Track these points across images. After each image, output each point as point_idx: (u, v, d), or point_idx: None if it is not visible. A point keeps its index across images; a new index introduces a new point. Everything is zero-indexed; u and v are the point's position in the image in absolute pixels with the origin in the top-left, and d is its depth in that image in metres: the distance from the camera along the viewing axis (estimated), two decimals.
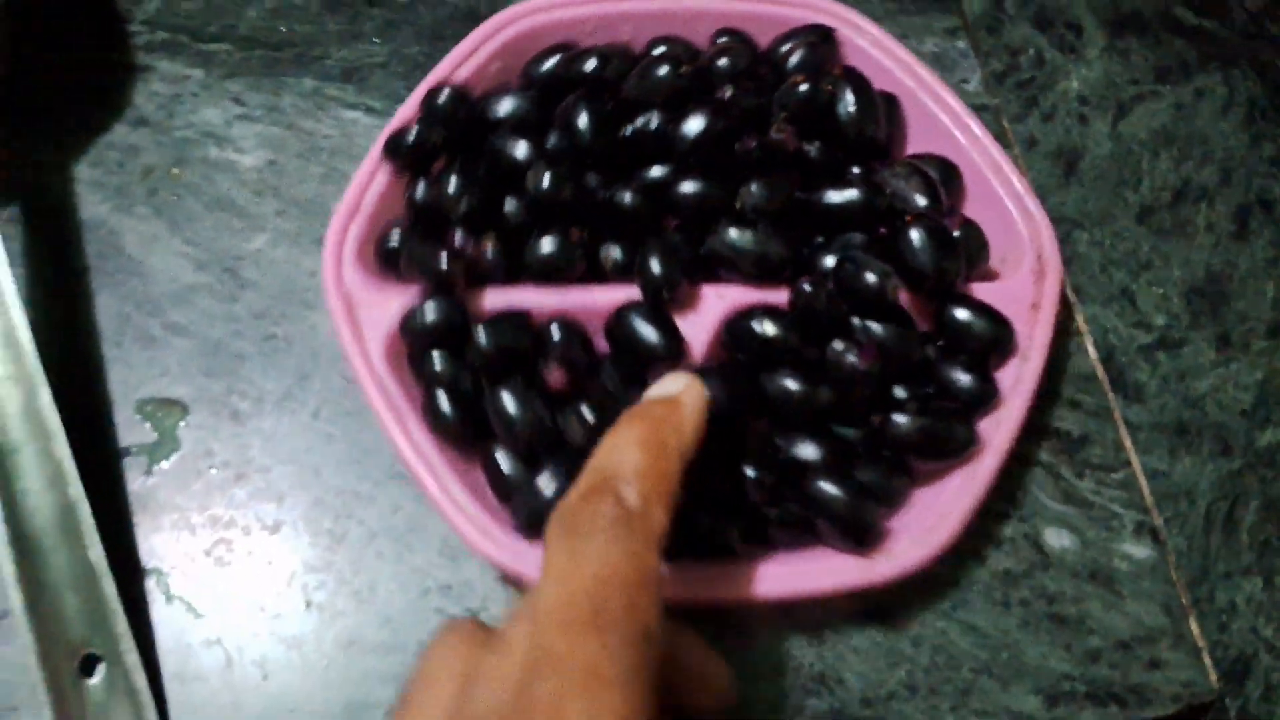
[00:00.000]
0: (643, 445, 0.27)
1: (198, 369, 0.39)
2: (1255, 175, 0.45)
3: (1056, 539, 0.37)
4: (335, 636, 0.35)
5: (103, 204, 0.42)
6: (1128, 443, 0.39)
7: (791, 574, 0.33)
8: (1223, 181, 0.45)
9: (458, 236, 0.38)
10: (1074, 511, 0.37)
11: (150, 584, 0.35)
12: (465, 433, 0.35)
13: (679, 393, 0.30)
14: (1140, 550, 0.37)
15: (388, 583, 0.35)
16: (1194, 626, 0.36)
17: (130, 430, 0.38)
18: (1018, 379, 0.36)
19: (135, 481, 0.37)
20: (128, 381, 0.38)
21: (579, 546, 0.24)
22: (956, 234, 0.38)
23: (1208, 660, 0.36)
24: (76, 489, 0.33)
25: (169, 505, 0.36)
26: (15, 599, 0.32)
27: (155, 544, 0.36)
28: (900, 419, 0.34)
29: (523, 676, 0.22)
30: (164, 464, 0.37)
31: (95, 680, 0.32)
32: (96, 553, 0.33)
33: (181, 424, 0.38)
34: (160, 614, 0.35)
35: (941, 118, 0.41)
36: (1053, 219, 0.43)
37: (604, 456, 0.27)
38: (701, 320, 0.37)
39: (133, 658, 0.33)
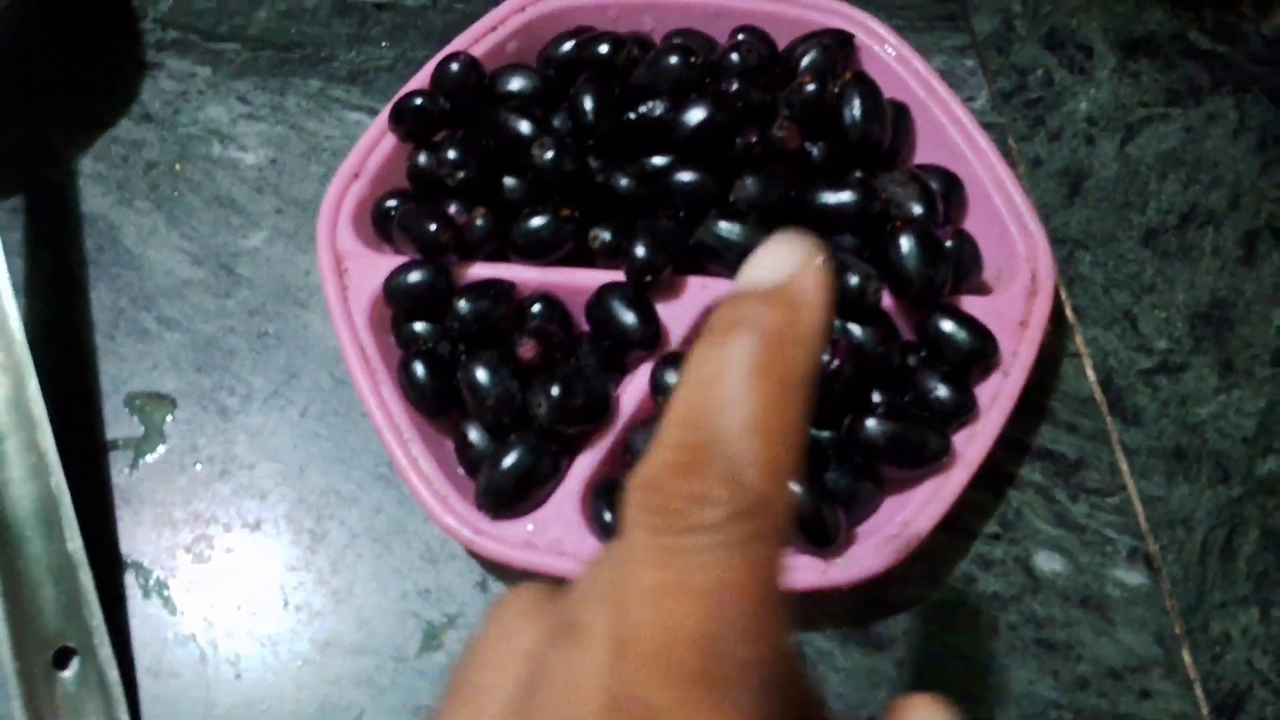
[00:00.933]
0: (758, 380, 0.17)
1: (188, 364, 0.39)
2: (1265, 200, 0.44)
3: (1048, 563, 0.36)
4: (311, 637, 0.34)
5: (104, 197, 0.43)
6: (1124, 467, 0.38)
7: None
8: (1231, 206, 0.44)
9: (452, 206, 0.38)
10: (1067, 535, 0.36)
11: (129, 578, 0.35)
12: (438, 400, 0.35)
13: (795, 277, 0.19)
14: (1133, 577, 0.36)
15: (366, 584, 0.35)
16: (1187, 657, 0.35)
17: (118, 423, 0.38)
18: (997, 394, 0.35)
19: (120, 474, 0.37)
20: (118, 374, 0.38)
21: (680, 551, 0.16)
22: (948, 244, 0.38)
23: (1200, 692, 0.35)
24: (59, 480, 0.33)
25: (151, 499, 0.36)
26: None
27: (136, 538, 0.36)
28: (871, 423, 0.34)
29: None
30: (149, 458, 0.37)
31: (68, 673, 0.32)
32: (75, 545, 0.33)
33: (169, 418, 0.38)
34: (137, 608, 0.35)
35: (949, 130, 0.41)
36: (1056, 239, 0.43)
37: (699, 400, 0.18)
38: (684, 309, 0.37)
39: (106, 651, 0.32)
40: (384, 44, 0.47)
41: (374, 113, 0.45)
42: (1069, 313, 0.41)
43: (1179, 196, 0.44)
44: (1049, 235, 0.40)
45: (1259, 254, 0.43)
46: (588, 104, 0.39)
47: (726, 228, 0.37)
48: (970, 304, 0.37)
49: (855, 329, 0.35)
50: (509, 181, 0.39)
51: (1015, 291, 0.38)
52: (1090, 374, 0.40)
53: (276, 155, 0.44)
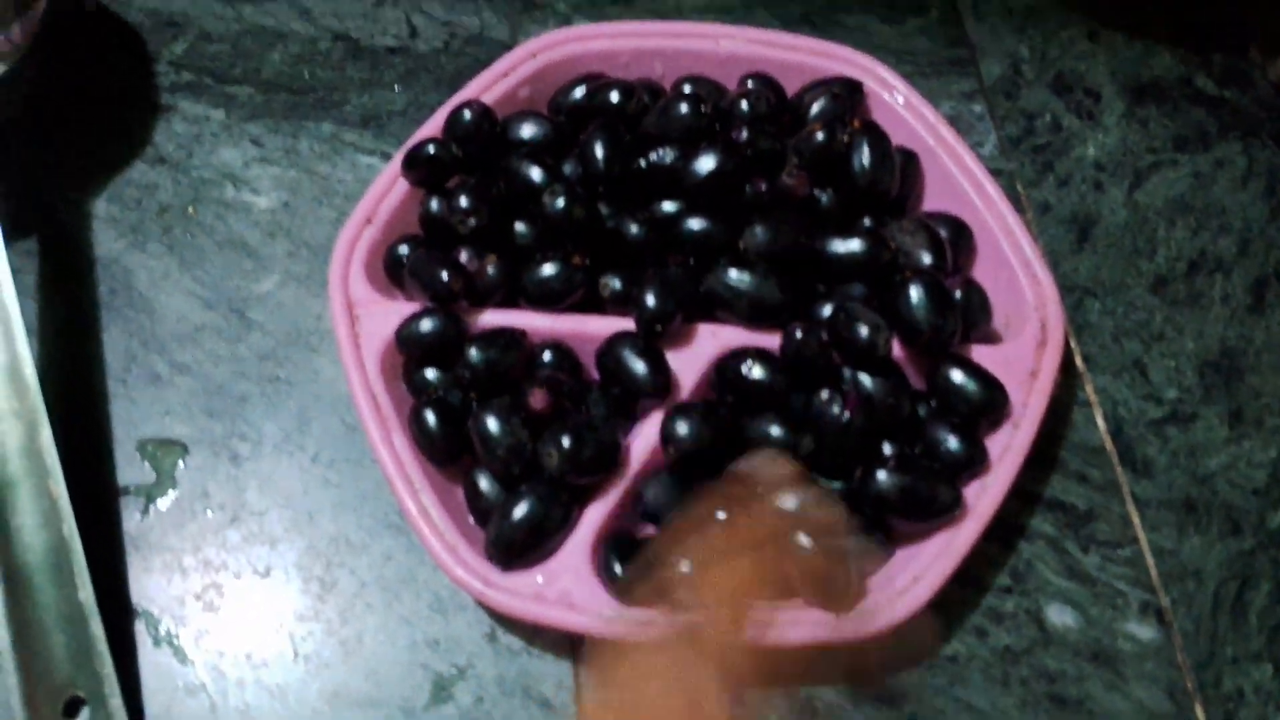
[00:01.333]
0: None
1: (200, 409, 0.39)
2: (1273, 247, 0.44)
3: (1059, 616, 0.36)
4: (320, 688, 0.34)
5: (117, 240, 0.43)
6: (1135, 519, 0.38)
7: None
8: (1240, 253, 0.44)
9: (463, 253, 0.38)
10: (1078, 588, 0.36)
11: (139, 626, 0.35)
12: (449, 449, 0.35)
13: None
14: (1145, 631, 0.36)
15: (375, 634, 0.35)
16: (1200, 713, 0.35)
17: (130, 469, 0.38)
18: (1008, 446, 0.35)
19: (131, 521, 0.37)
20: (131, 419, 0.39)
21: None
22: (958, 294, 0.38)
23: None
24: (70, 528, 0.33)
25: (162, 546, 0.36)
26: (2, 637, 0.32)
27: (146, 585, 0.36)
28: (881, 476, 0.34)
29: None
30: (160, 504, 0.37)
31: None
32: (86, 593, 0.33)
33: (180, 464, 0.38)
34: (147, 657, 0.35)
35: (959, 178, 0.41)
36: (1065, 286, 0.43)
37: None
38: (694, 357, 0.37)
39: (116, 701, 0.32)
40: (396, 88, 0.48)
41: (386, 156, 0.45)
42: (1079, 361, 0.41)
43: (1188, 243, 0.44)
44: (1058, 282, 0.40)
45: (1268, 302, 0.43)
46: (598, 152, 0.39)
47: (736, 276, 0.37)
48: (980, 353, 0.38)
49: (865, 379, 0.35)
50: (520, 228, 0.39)
51: (1025, 341, 0.38)
52: (1100, 424, 0.40)
53: (289, 199, 0.44)
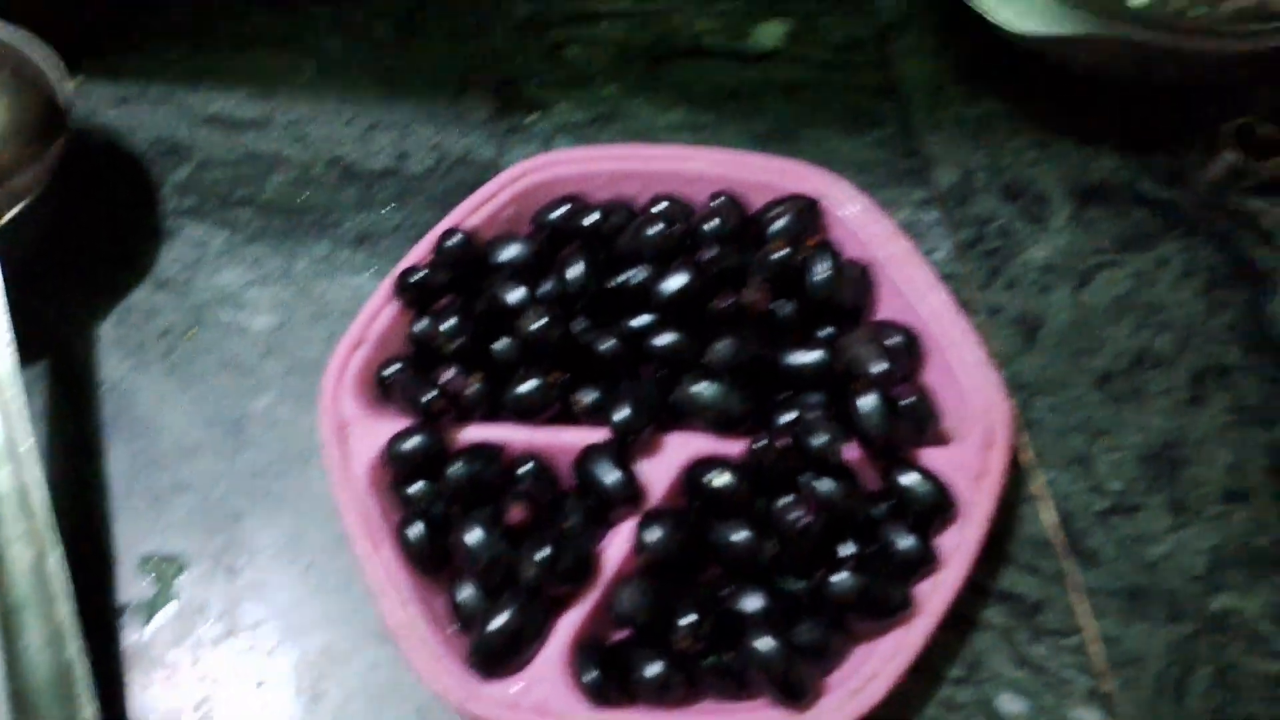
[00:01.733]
0: None
1: (198, 525, 0.41)
2: (1211, 342, 0.47)
3: (1010, 704, 0.38)
4: None
5: (121, 363, 0.46)
6: (1083, 608, 0.40)
7: None
8: (1180, 348, 0.47)
9: (448, 372, 0.41)
10: (1028, 676, 0.38)
11: None
12: (434, 560, 0.38)
13: None
14: (1091, 716, 0.38)
15: None
16: None
17: (130, 585, 0.40)
18: (959, 544, 0.38)
19: (130, 637, 0.39)
20: (131, 536, 0.41)
21: None
22: (907, 401, 0.40)
23: None
24: (76, 648, 0.35)
25: (161, 662, 0.38)
26: None
27: (145, 700, 0.38)
28: (838, 578, 0.36)
29: None
30: (159, 619, 0.39)
31: None
32: (90, 711, 0.35)
33: (179, 579, 0.40)
34: None
35: (910, 287, 0.44)
36: (1014, 385, 0.45)
37: None
38: (664, 465, 0.39)
39: None
40: (388, 208, 0.51)
41: (380, 274, 0.48)
42: (1029, 456, 0.43)
43: (1131, 340, 0.47)
44: (1008, 380, 0.42)
45: (1206, 394, 0.45)
46: (574, 274, 0.42)
47: (701, 389, 0.40)
48: (931, 455, 0.40)
49: (822, 486, 0.38)
50: (502, 345, 0.42)
51: (973, 443, 0.40)
52: (1049, 517, 0.42)
53: (285, 318, 0.47)
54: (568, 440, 0.40)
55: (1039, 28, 0.49)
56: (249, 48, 0.58)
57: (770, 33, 0.58)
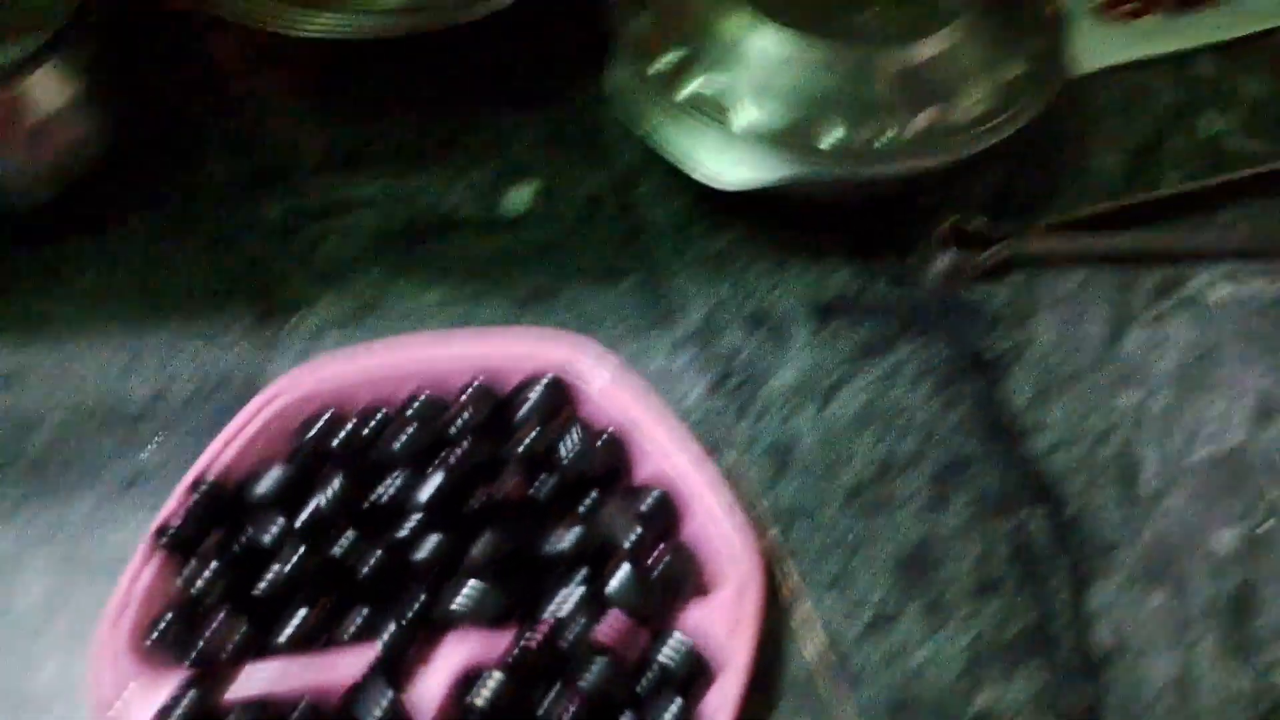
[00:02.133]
0: None
1: None
2: (950, 438, 0.50)
3: None
4: None
5: None
6: None
7: None
8: (920, 450, 0.50)
9: (220, 614, 0.41)
10: None
11: None
12: None
13: None
14: None
15: None
16: None
17: None
18: (720, 703, 0.40)
19: None
20: None
21: None
22: (661, 566, 0.43)
23: None
24: None
25: None
26: None
27: None
28: None
29: None
30: None
31: None
32: None
33: None
34: None
35: (656, 447, 0.46)
36: (775, 514, 0.48)
37: None
38: (436, 677, 0.41)
39: None
40: (153, 445, 0.51)
41: (148, 520, 0.47)
42: (792, 584, 0.46)
43: (876, 449, 0.50)
44: (768, 511, 0.45)
45: (949, 491, 0.49)
46: (329, 496, 0.44)
47: (463, 598, 0.41)
48: (692, 611, 0.42)
49: (585, 676, 0.39)
50: (265, 583, 0.42)
51: (727, 595, 0.43)
52: (816, 643, 0.45)
53: (62, 579, 0.47)
54: (340, 669, 0.41)
55: (747, 178, 0.53)
56: (3, 294, 0.58)
57: (519, 197, 0.61)
